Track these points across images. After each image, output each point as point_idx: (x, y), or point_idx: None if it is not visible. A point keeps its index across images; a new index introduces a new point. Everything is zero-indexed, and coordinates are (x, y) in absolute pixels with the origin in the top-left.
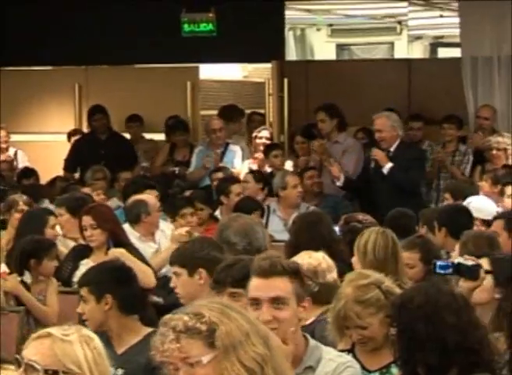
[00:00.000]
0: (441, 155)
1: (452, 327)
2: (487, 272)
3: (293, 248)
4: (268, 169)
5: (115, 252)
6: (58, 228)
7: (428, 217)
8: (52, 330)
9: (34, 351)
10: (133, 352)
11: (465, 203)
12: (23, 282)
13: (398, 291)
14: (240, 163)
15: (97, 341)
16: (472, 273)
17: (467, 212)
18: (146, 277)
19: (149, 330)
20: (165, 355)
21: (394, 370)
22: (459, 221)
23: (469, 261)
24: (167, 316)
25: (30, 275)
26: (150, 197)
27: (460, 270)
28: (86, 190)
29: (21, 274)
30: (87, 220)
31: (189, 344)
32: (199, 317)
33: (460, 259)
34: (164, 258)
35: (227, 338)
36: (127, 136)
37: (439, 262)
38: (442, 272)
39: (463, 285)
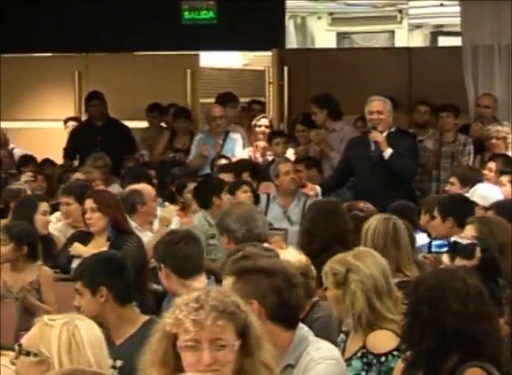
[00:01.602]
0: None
1: (454, 314)
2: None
3: (309, 235)
4: (269, 158)
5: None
6: (54, 216)
7: (430, 205)
8: (48, 315)
9: (27, 334)
10: (131, 343)
11: (472, 189)
12: None
13: (357, 289)
14: (240, 151)
15: (84, 331)
16: (467, 251)
17: (469, 202)
18: None
19: (145, 318)
20: (190, 330)
21: (355, 363)
22: (464, 210)
23: (465, 239)
24: (197, 293)
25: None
26: (146, 186)
27: (455, 249)
28: (77, 175)
29: None
30: (89, 203)
31: (226, 327)
32: (236, 303)
33: (456, 238)
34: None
35: (256, 331)
36: (144, 124)
37: (434, 241)
38: (437, 250)
39: (458, 264)
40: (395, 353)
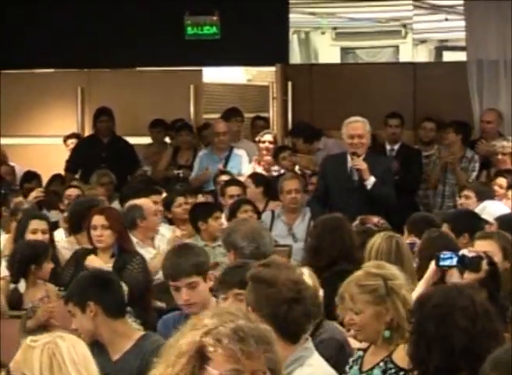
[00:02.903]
0: (452, 157)
1: (462, 331)
2: None
3: (314, 252)
4: (274, 173)
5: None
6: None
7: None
8: (31, 337)
9: (14, 358)
10: (126, 358)
11: (481, 207)
12: (16, 290)
13: (405, 293)
14: (247, 168)
15: (66, 349)
16: (474, 264)
17: (479, 217)
18: None
19: (141, 333)
20: (240, 360)
21: (376, 371)
22: (477, 225)
23: (471, 253)
24: (238, 323)
25: (24, 282)
26: (146, 201)
27: (463, 262)
28: (71, 191)
29: (16, 282)
30: (99, 220)
31: (265, 359)
32: (273, 336)
33: (463, 251)
34: (159, 262)
35: (281, 362)
36: (147, 140)
37: (442, 255)
38: (445, 264)
39: (466, 277)
40: (415, 373)
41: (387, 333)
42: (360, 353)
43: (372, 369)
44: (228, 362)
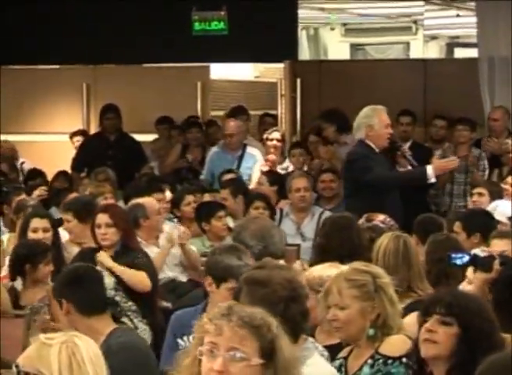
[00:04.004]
0: (471, 160)
1: None
2: None
3: (323, 250)
4: (280, 171)
5: (100, 256)
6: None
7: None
8: (45, 334)
9: (23, 354)
10: None
11: (492, 206)
12: (13, 288)
13: (393, 292)
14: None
15: (84, 349)
16: (485, 264)
17: (491, 216)
18: (139, 283)
19: (113, 326)
20: (210, 332)
21: (365, 369)
22: (490, 225)
23: (484, 252)
24: (234, 304)
25: (21, 281)
26: (149, 200)
27: (475, 261)
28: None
29: (13, 279)
30: (103, 218)
31: (247, 340)
32: (266, 322)
33: (475, 251)
34: (160, 259)
35: (284, 355)
36: (153, 137)
37: (453, 254)
38: (457, 263)
39: (477, 277)
40: (404, 360)
41: (371, 332)
42: (341, 361)
43: (360, 369)
44: (209, 336)
